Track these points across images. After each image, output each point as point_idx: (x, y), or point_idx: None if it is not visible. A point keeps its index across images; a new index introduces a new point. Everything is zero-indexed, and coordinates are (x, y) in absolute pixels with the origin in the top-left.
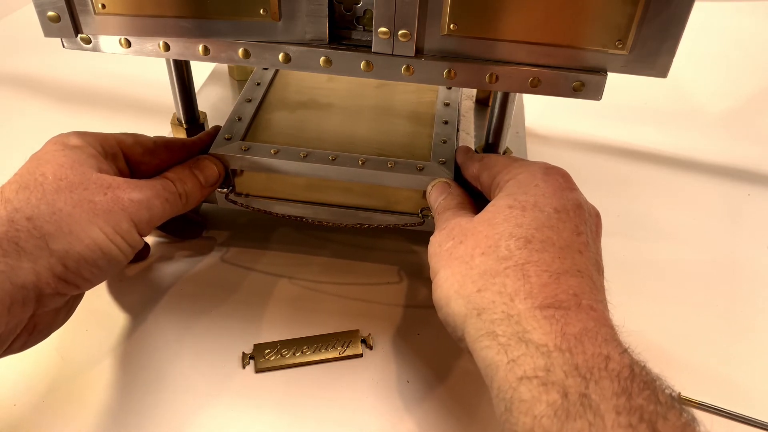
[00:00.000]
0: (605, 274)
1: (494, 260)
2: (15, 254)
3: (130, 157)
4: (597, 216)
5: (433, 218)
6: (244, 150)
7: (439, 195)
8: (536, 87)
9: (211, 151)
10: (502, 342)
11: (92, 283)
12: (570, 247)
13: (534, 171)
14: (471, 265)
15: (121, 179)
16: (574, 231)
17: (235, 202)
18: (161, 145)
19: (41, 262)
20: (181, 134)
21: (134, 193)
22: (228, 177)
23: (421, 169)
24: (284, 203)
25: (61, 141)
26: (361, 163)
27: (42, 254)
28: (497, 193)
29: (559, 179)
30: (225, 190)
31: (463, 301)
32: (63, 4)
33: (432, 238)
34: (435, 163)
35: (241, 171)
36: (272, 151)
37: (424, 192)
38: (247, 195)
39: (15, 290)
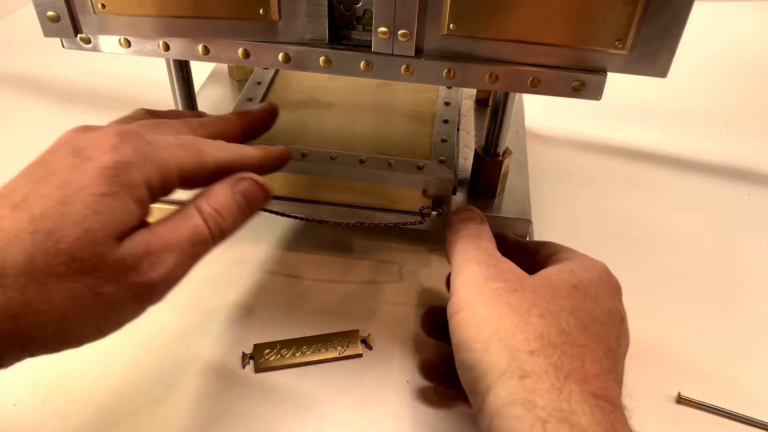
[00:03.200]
0: None
1: (554, 330)
2: None
3: (181, 185)
4: (628, 337)
5: (453, 237)
6: None
7: (469, 220)
8: (536, 87)
9: None
10: (540, 415)
11: None
12: (613, 351)
13: (597, 263)
14: (527, 321)
15: (141, 250)
16: (616, 339)
17: None
18: (225, 166)
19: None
20: None
21: (153, 272)
22: None
23: (421, 168)
24: (284, 202)
25: (113, 171)
26: (361, 161)
27: (10, 346)
28: (552, 263)
29: (617, 285)
30: None
31: (508, 354)
32: (63, 4)
33: (469, 266)
34: (435, 162)
35: None
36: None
37: (425, 190)
38: None
39: None
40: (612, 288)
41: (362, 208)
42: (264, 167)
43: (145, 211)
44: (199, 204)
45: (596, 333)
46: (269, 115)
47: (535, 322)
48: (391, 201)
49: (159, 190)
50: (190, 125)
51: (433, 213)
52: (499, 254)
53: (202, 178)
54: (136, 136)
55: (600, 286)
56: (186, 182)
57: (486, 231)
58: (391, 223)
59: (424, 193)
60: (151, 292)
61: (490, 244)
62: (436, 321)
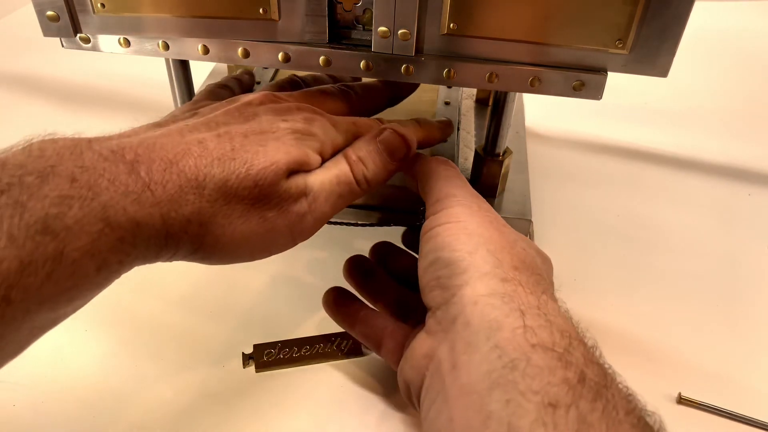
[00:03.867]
0: (605, 275)
1: (532, 263)
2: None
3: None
4: None
5: (426, 159)
6: None
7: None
8: (536, 87)
9: None
10: (518, 307)
11: None
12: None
13: None
14: (513, 246)
15: (301, 185)
16: None
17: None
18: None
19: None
20: None
21: (306, 205)
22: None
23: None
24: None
25: (301, 134)
26: None
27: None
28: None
29: None
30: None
31: (494, 261)
32: (62, 3)
33: (462, 191)
34: None
35: None
36: None
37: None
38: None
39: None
40: (551, 268)
41: (359, 207)
42: (423, 144)
43: (312, 167)
44: (347, 152)
45: (550, 287)
46: (444, 128)
47: (520, 250)
48: (389, 200)
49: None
50: (350, 99)
51: None
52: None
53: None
54: (323, 117)
55: (550, 264)
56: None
57: (452, 163)
58: (390, 225)
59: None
60: (302, 223)
61: (465, 178)
62: (359, 266)
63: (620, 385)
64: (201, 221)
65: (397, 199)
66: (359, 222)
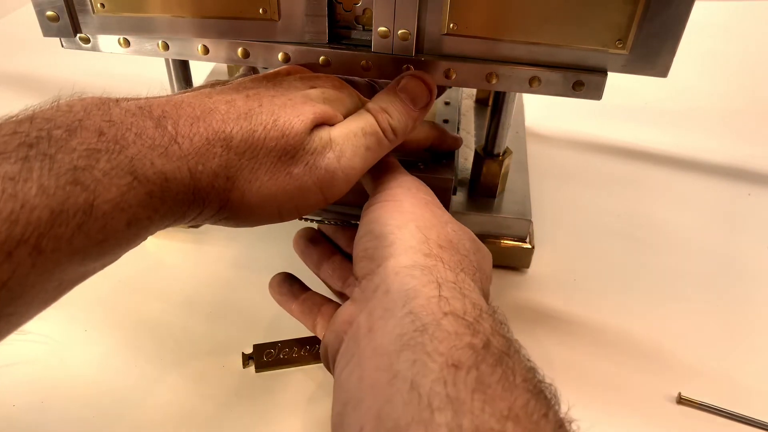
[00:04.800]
0: (605, 275)
1: (461, 246)
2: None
3: None
4: None
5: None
6: None
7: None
8: (536, 87)
9: None
10: (436, 279)
11: None
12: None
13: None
14: (443, 227)
15: (326, 138)
16: None
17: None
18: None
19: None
20: None
21: (333, 157)
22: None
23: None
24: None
25: (328, 96)
26: None
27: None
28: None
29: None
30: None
31: (420, 237)
32: (62, 3)
33: (403, 174)
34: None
35: None
36: None
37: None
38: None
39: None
40: (489, 259)
41: (355, 210)
42: (435, 146)
43: (335, 122)
44: (368, 105)
45: (484, 280)
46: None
47: (449, 231)
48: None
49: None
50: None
51: None
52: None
53: None
54: (349, 87)
55: (488, 254)
56: None
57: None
58: None
59: None
60: (331, 179)
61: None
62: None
63: (523, 357)
64: (228, 175)
65: None
66: (352, 221)
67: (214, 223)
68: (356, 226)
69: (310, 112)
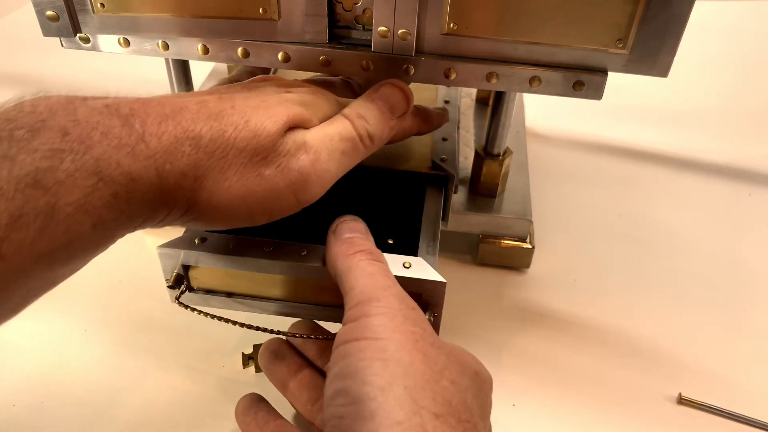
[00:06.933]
0: (605, 275)
1: (461, 403)
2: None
3: None
4: None
5: (347, 248)
6: (198, 243)
7: (358, 231)
8: (536, 86)
9: (160, 246)
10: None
11: None
12: None
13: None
14: (438, 380)
15: (300, 141)
16: None
17: (187, 307)
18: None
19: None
20: None
21: (306, 160)
22: (181, 273)
23: (408, 267)
24: (248, 300)
25: (305, 100)
26: None
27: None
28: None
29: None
30: (176, 290)
31: (411, 406)
32: (62, 3)
33: (385, 295)
34: (423, 259)
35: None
36: (231, 244)
37: (415, 293)
38: (206, 291)
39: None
40: (490, 390)
41: (339, 307)
42: (421, 130)
43: (310, 126)
44: (346, 111)
45: (487, 427)
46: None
47: (446, 385)
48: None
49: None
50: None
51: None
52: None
53: None
54: (326, 92)
55: (489, 385)
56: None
57: (381, 254)
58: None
59: (412, 295)
60: (304, 182)
61: (393, 276)
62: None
63: None
64: (196, 175)
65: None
66: (320, 337)
67: (183, 224)
68: (327, 340)
69: (284, 113)
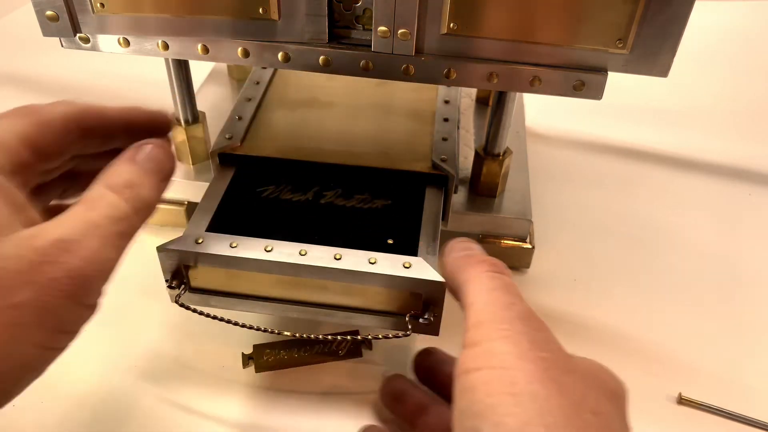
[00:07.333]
0: (606, 275)
1: None
2: None
3: (39, 156)
4: None
5: (464, 260)
6: (199, 243)
7: (470, 248)
8: (536, 87)
9: (161, 246)
10: None
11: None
12: None
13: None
14: (579, 414)
15: (49, 241)
16: None
17: (187, 308)
18: (75, 119)
19: None
20: (180, 134)
21: (74, 259)
22: (181, 273)
23: (408, 267)
24: (248, 301)
25: None
26: (336, 257)
27: None
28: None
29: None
30: (176, 290)
31: None
32: (62, 3)
33: (509, 317)
34: (423, 259)
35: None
36: (231, 244)
37: (412, 293)
38: (206, 291)
39: None
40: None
41: (338, 308)
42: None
43: (19, 199)
44: (107, 181)
45: None
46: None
47: (589, 418)
48: (373, 302)
49: (17, 171)
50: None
51: (423, 321)
52: (520, 302)
53: (56, 139)
54: None
55: (626, 402)
56: (41, 150)
57: (504, 266)
58: (369, 336)
59: (412, 295)
60: (81, 283)
61: (518, 290)
62: (427, 367)
63: None
64: None
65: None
66: (334, 335)
67: None
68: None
69: None
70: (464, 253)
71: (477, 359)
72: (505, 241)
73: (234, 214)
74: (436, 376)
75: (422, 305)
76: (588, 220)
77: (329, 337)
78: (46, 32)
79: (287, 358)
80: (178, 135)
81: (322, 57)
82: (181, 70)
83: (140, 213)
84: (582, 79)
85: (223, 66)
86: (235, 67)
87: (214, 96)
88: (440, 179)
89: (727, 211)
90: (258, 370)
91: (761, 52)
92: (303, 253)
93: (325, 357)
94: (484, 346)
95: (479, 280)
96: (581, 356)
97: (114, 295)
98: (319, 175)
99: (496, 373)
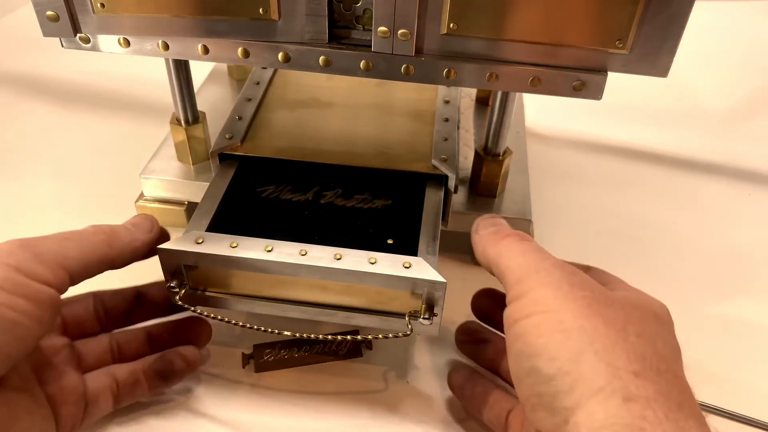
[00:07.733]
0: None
1: (654, 354)
2: None
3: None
4: None
5: (494, 236)
6: (199, 243)
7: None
8: (536, 86)
9: (161, 245)
10: None
11: None
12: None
13: (661, 303)
14: (625, 338)
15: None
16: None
17: (187, 308)
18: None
19: None
20: (181, 134)
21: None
22: (181, 272)
23: (408, 267)
24: (248, 300)
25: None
26: (336, 257)
27: None
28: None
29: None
30: (177, 290)
31: (607, 370)
32: (62, 3)
33: (545, 266)
34: (423, 259)
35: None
36: (231, 244)
37: (413, 292)
38: (204, 291)
39: None
40: (673, 326)
41: (338, 308)
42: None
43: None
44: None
45: (681, 368)
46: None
47: (634, 341)
48: (374, 301)
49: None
50: None
51: (423, 321)
52: (544, 253)
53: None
54: None
55: (671, 323)
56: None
57: (527, 235)
58: (369, 337)
59: (412, 295)
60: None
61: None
62: (485, 310)
63: None
64: None
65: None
66: (334, 335)
67: None
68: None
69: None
70: (492, 229)
71: (524, 309)
72: None
73: (234, 214)
74: (493, 317)
75: (422, 305)
76: (587, 220)
77: (329, 337)
78: (47, 32)
79: (287, 357)
80: (178, 135)
81: (322, 57)
82: (181, 70)
83: (132, 248)
84: (582, 79)
85: (223, 66)
86: (235, 67)
87: (214, 96)
88: (440, 179)
89: (727, 211)
90: (258, 370)
91: (761, 52)
92: (303, 253)
93: (325, 357)
94: (529, 296)
95: (510, 248)
96: (622, 289)
97: None
98: (319, 175)
99: (543, 317)
